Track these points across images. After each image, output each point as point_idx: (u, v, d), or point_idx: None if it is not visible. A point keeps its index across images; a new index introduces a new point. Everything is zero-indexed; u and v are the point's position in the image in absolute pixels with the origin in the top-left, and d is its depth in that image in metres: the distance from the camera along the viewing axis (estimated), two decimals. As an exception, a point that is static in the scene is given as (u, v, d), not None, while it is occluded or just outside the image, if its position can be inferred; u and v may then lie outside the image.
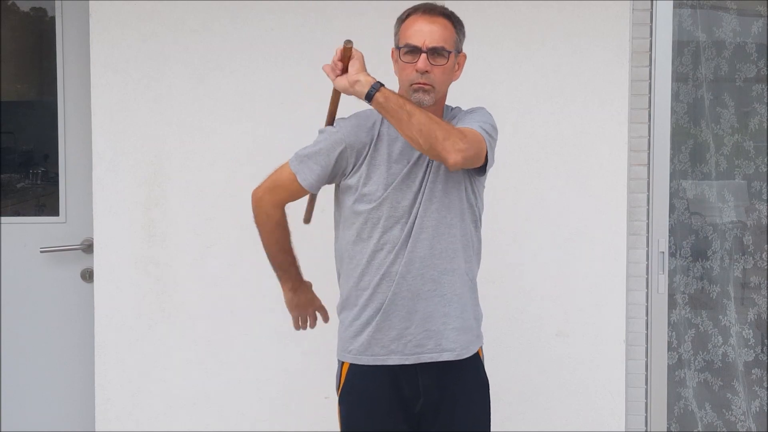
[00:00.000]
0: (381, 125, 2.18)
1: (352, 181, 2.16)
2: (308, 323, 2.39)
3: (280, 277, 2.34)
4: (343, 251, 2.22)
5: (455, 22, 2.15)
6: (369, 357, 2.17)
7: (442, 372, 2.16)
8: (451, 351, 2.16)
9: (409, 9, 2.17)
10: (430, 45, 2.08)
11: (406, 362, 2.14)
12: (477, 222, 2.23)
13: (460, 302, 2.17)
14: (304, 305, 2.36)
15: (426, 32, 2.09)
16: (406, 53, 2.10)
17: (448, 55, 2.11)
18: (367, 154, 2.15)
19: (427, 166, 2.13)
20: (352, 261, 2.19)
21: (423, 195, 2.12)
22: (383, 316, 2.14)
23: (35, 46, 3.40)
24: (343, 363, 2.22)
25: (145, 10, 3.04)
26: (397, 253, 2.12)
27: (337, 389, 2.24)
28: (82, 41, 3.15)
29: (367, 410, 2.18)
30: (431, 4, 2.16)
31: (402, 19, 2.16)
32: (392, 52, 2.20)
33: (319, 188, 2.22)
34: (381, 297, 2.14)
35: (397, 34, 2.17)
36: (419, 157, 2.13)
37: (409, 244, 2.12)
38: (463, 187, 2.16)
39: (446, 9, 2.16)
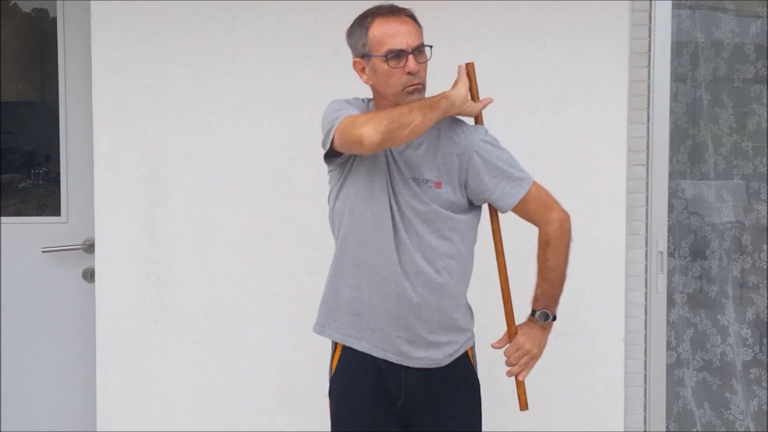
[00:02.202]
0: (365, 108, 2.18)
1: (341, 172, 2.17)
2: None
3: (437, 105, 2.05)
4: (333, 220, 2.22)
5: (415, 18, 2.12)
6: (342, 336, 2.18)
7: (427, 372, 2.16)
8: (419, 360, 2.14)
9: (366, 15, 2.11)
10: (413, 45, 2.06)
11: (374, 354, 2.14)
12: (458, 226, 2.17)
13: (441, 313, 2.15)
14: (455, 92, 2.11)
15: (404, 33, 2.05)
16: (391, 59, 2.05)
17: (427, 50, 2.11)
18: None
19: (397, 176, 2.10)
20: (340, 240, 2.18)
21: (397, 189, 2.10)
22: (362, 307, 2.13)
23: (36, 47, 3.40)
24: (336, 344, 2.22)
25: (146, 10, 3.04)
26: (367, 243, 2.11)
27: (330, 370, 2.25)
28: (83, 42, 3.16)
29: (355, 409, 2.18)
30: (392, 6, 2.11)
31: (366, 26, 2.09)
32: (356, 62, 2.14)
33: None
34: (356, 285, 2.13)
35: (365, 42, 2.08)
36: (393, 164, 2.11)
37: (387, 235, 2.09)
38: (461, 210, 2.15)
39: (404, 7, 2.12)
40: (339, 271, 2.18)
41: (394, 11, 2.09)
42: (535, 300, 2.25)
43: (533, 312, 2.25)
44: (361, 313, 2.14)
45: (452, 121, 2.17)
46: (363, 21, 2.10)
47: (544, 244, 2.20)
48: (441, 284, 2.12)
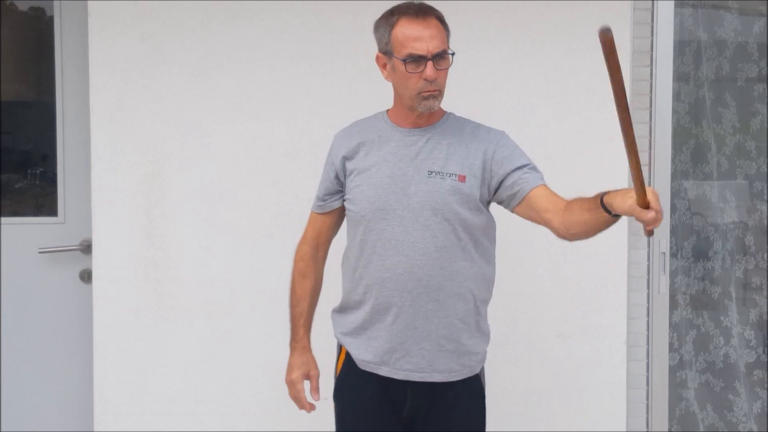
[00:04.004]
0: (370, 130, 2.18)
1: (348, 183, 2.18)
2: (301, 402, 2.31)
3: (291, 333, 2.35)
4: (344, 254, 2.23)
5: (443, 21, 2.09)
6: (361, 362, 2.17)
7: (432, 387, 2.15)
8: (441, 373, 2.13)
9: (394, 11, 2.09)
10: (434, 51, 2.03)
11: (395, 377, 2.13)
12: (480, 236, 2.16)
13: (458, 319, 2.13)
14: (292, 369, 2.30)
15: (427, 38, 2.02)
16: (409, 63, 2.03)
17: (450, 57, 2.08)
18: (356, 158, 2.16)
19: (426, 172, 2.09)
20: (349, 264, 2.20)
21: (413, 199, 2.08)
22: (380, 326, 2.12)
23: (34, 46, 3.39)
24: (341, 347, 2.23)
25: (144, 9, 3.03)
26: (389, 258, 2.09)
27: (335, 370, 2.25)
28: (80, 41, 3.14)
29: (360, 410, 2.18)
30: (420, 5, 2.08)
31: (391, 24, 2.07)
32: (378, 57, 2.13)
33: (333, 203, 2.24)
34: (376, 303, 2.12)
35: (388, 41, 2.07)
36: (412, 160, 2.11)
37: (401, 248, 2.08)
38: (477, 205, 2.12)
39: (433, 8, 2.10)
40: (354, 292, 2.18)
41: (422, 12, 2.05)
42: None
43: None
44: (378, 335, 2.13)
45: (475, 125, 2.19)
46: (389, 18, 2.08)
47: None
48: (456, 290, 2.10)
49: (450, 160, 2.09)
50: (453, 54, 2.08)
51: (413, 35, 2.03)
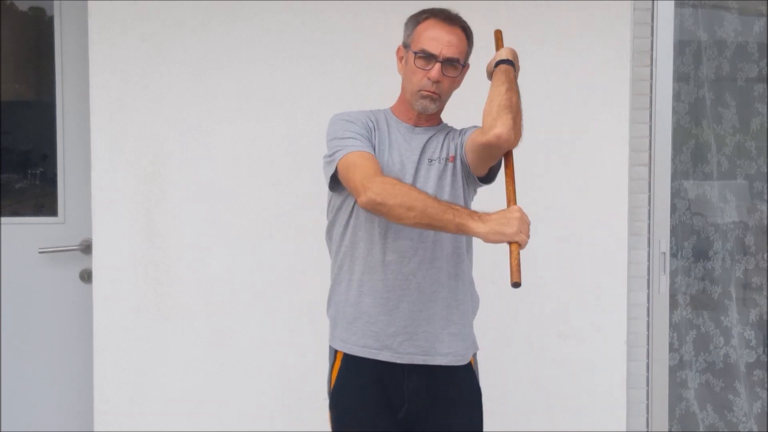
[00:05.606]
0: (377, 119, 2.20)
1: None
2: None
3: (460, 227, 1.95)
4: (335, 235, 2.20)
5: (469, 36, 2.17)
6: (361, 348, 2.15)
7: (431, 376, 2.14)
8: (444, 356, 2.14)
9: (426, 10, 2.16)
10: (446, 55, 2.09)
11: (398, 361, 2.12)
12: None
13: (456, 300, 2.16)
14: (511, 219, 1.94)
15: (444, 41, 2.09)
16: (420, 58, 2.09)
17: (460, 68, 2.14)
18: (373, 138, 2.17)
19: (427, 161, 2.13)
20: (348, 245, 2.17)
21: (418, 185, 2.11)
22: (384, 309, 2.11)
23: (34, 46, 3.39)
24: (336, 354, 2.20)
25: (144, 9, 3.03)
26: (382, 242, 2.10)
27: (329, 383, 2.23)
28: (80, 41, 3.14)
29: (357, 420, 2.16)
30: (451, 13, 2.15)
31: (418, 21, 2.15)
32: (399, 49, 2.20)
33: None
34: (380, 286, 2.11)
35: (410, 34, 2.15)
36: (416, 151, 2.14)
37: (405, 231, 2.08)
38: (462, 185, 2.15)
39: (464, 21, 2.16)
40: (348, 278, 2.16)
41: (450, 19, 2.13)
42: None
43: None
44: (378, 319, 2.12)
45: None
46: (420, 15, 2.16)
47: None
48: (454, 269, 2.13)
49: (444, 147, 2.16)
50: (464, 66, 2.15)
51: (432, 35, 2.10)
